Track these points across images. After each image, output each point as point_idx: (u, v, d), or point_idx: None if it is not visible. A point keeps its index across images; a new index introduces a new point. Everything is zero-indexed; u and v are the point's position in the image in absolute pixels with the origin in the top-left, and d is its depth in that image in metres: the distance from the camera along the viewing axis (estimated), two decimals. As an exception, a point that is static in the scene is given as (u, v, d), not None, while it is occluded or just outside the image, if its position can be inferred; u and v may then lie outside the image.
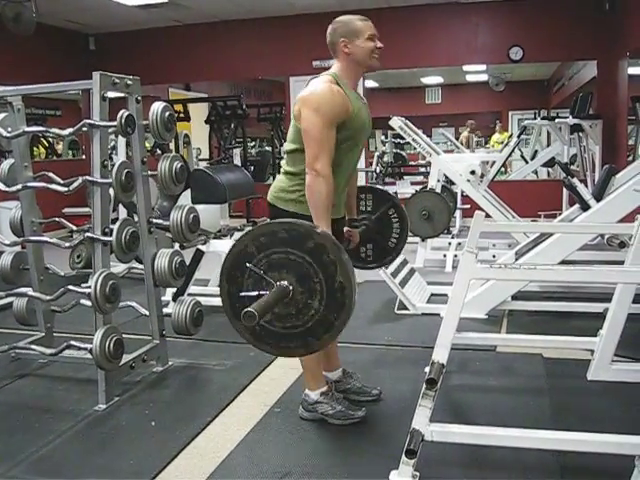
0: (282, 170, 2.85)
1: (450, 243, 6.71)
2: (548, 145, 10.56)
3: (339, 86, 2.68)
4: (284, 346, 2.19)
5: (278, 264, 2.08)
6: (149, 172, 3.58)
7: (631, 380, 2.88)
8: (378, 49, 2.79)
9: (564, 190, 7.76)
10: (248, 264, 2.09)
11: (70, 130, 3.39)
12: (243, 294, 2.12)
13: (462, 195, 7.62)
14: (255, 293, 2.09)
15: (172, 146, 8.13)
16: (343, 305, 2.06)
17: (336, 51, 2.79)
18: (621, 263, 2.99)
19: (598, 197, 4.41)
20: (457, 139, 11.20)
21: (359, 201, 3.31)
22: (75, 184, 3.35)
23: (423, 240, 6.34)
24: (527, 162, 10.40)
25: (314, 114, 2.58)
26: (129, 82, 3.47)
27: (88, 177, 3.25)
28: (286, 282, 2.07)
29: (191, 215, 3.57)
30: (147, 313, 3.70)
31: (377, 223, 3.42)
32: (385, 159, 10.12)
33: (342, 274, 2.04)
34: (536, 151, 10.25)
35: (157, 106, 3.42)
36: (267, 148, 12.16)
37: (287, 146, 2.81)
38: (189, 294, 4.63)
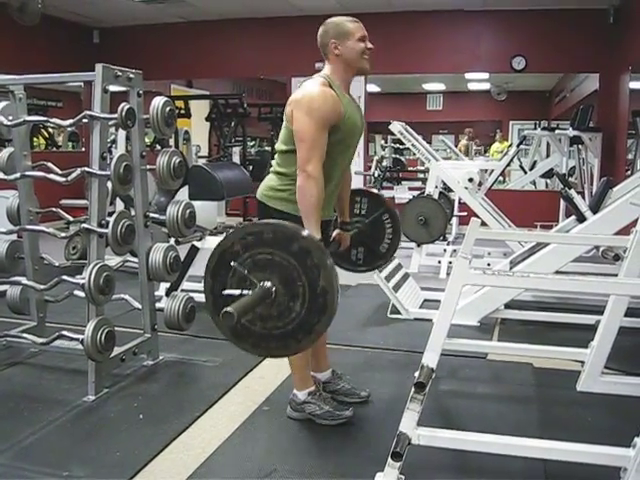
0: (272, 169, 2.86)
1: (445, 250, 6.72)
2: (547, 156, 10.57)
3: (332, 88, 2.69)
4: (264, 346, 2.19)
5: (263, 264, 2.07)
6: (148, 166, 3.58)
7: (620, 393, 2.89)
8: (369, 50, 2.80)
9: (561, 201, 7.78)
10: (233, 262, 2.08)
11: (71, 121, 3.39)
12: (226, 292, 2.12)
13: (459, 202, 7.62)
14: (238, 292, 2.08)
15: (172, 142, 8.13)
16: (325, 310, 2.06)
17: (327, 53, 2.80)
18: (615, 276, 3.00)
19: (595, 209, 4.42)
20: (457, 147, 11.22)
21: (354, 204, 3.32)
22: (73, 175, 3.35)
23: (418, 245, 6.34)
24: (526, 172, 10.42)
25: (306, 116, 2.59)
26: (131, 75, 3.47)
27: (87, 168, 3.25)
28: (269, 283, 2.07)
29: (187, 210, 3.57)
30: (140, 307, 3.70)
31: (370, 227, 3.43)
32: (384, 163, 10.13)
33: (325, 279, 2.03)
34: (535, 161, 10.26)
35: (158, 101, 3.42)
36: (267, 148, 12.16)
37: (278, 146, 2.82)
38: (182, 290, 4.63)
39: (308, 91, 2.65)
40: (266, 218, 2.75)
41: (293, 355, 2.25)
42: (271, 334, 2.14)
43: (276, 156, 2.86)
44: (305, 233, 2.13)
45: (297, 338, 2.12)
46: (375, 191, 3.66)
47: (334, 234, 3.11)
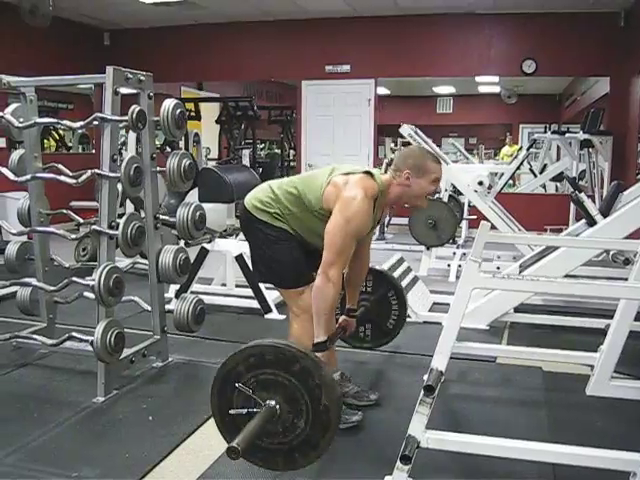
0: (271, 186, 2.92)
1: (455, 253, 6.71)
2: (557, 159, 10.53)
3: (376, 200, 2.76)
4: (272, 461, 2.23)
5: (266, 384, 2.12)
6: (158, 168, 3.59)
7: (630, 397, 2.88)
8: (434, 193, 2.90)
9: (571, 205, 7.74)
10: (237, 384, 2.14)
11: (81, 123, 3.40)
12: (233, 412, 2.16)
13: (469, 205, 7.61)
14: (244, 411, 2.13)
15: (182, 144, 8.15)
16: (328, 426, 2.10)
17: (396, 173, 2.83)
18: (625, 280, 2.98)
19: (605, 213, 4.39)
20: (467, 150, 11.19)
21: None
22: (84, 177, 3.36)
23: (428, 249, 6.34)
24: (536, 176, 10.38)
25: (344, 223, 2.65)
26: (142, 78, 3.48)
27: (97, 170, 3.27)
28: (273, 402, 2.11)
29: (197, 213, 3.58)
30: (149, 308, 3.71)
31: (376, 304, 3.53)
32: (393, 161, 10.10)
33: (327, 397, 2.08)
34: (545, 165, 10.23)
35: (169, 103, 3.43)
36: (276, 150, 12.18)
37: (291, 182, 2.90)
38: (192, 292, 4.64)
39: (358, 200, 2.67)
40: (249, 225, 2.92)
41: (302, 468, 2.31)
42: (278, 449, 2.18)
43: (283, 181, 2.95)
44: (305, 353, 2.14)
45: (304, 453, 2.16)
46: (379, 268, 3.71)
47: (340, 320, 3.19)
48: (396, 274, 4.69)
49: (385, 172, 2.91)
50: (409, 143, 6.62)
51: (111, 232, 3.28)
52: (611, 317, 2.92)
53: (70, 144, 10.92)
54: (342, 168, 2.84)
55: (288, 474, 2.50)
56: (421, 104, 14.53)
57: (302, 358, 2.10)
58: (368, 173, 2.80)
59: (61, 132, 10.46)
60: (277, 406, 2.11)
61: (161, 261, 3.56)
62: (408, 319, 4.63)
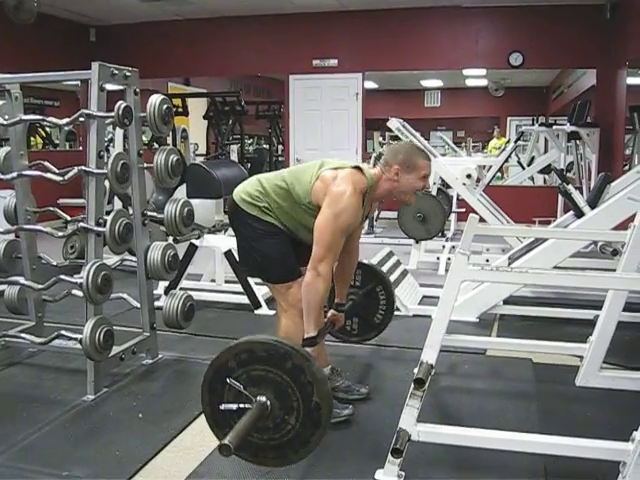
0: (259, 180, 2.92)
1: (444, 246, 6.72)
2: (545, 152, 10.57)
3: (366, 193, 2.77)
4: (262, 456, 2.23)
5: (258, 380, 2.13)
6: (145, 165, 3.58)
7: (619, 387, 2.90)
8: (422, 189, 2.88)
9: (559, 197, 7.78)
10: (228, 379, 2.14)
11: (67, 120, 3.39)
12: (223, 407, 2.16)
13: (457, 198, 7.63)
14: (235, 406, 2.13)
15: (169, 140, 8.11)
16: (319, 423, 2.11)
17: (385, 168, 2.83)
18: (613, 271, 3.00)
19: (593, 204, 4.42)
20: (455, 143, 11.21)
21: None
22: (70, 174, 3.35)
23: (417, 242, 6.35)
24: (524, 168, 10.43)
25: (334, 218, 2.65)
26: (128, 73, 3.46)
27: (84, 167, 3.25)
28: (264, 398, 2.11)
29: (185, 209, 3.57)
30: (138, 305, 3.70)
31: (364, 298, 3.55)
32: (382, 156, 10.10)
33: (319, 394, 2.08)
34: (533, 157, 10.27)
35: (155, 98, 3.41)
36: (264, 146, 12.14)
37: (279, 180, 2.88)
38: (181, 288, 4.63)
39: (347, 195, 2.67)
40: (236, 218, 2.92)
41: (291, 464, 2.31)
42: (268, 445, 2.18)
43: (271, 175, 2.96)
44: (297, 350, 2.14)
45: (294, 449, 2.17)
46: (368, 262, 3.71)
47: (328, 314, 3.20)
48: (385, 268, 4.71)
49: (374, 166, 2.91)
50: (397, 137, 6.64)
51: (99, 229, 3.26)
52: (600, 308, 2.93)
53: (57, 141, 10.86)
54: (331, 162, 2.84)
55: (279, 469, 2.50)
56: (409, 98, 14.52)
57: (294, 355, 2.10)
58: (357, 168, 2.79)
59: (48, 129, 10.39)
60: (268, 402, 2.11)
61: (150, 258, 3.55)
62: (398, 312, 4.66)
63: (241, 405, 2.12)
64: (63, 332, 3.38)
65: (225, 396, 2.17)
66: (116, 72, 3.36)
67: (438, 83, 13.88)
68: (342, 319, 3.28)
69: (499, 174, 9.49)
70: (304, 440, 2.14)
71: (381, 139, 12.18)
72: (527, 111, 13.54)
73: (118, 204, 6.21)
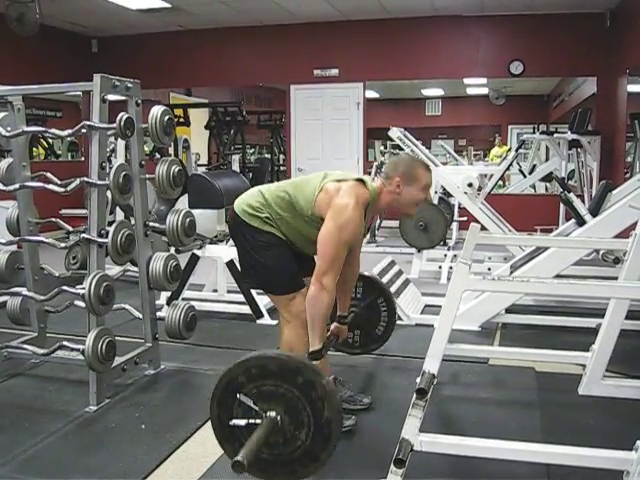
0: (261, 191, 2.94)
1: (446, 255, 6.72)
2: (546, 160, 10.57)
3: (368, 205, 2.78)
4: (271, 472, 2.22)
5: (268, 394, 2.12)
6: (147, 175, 3.59)
7: (622, 396, 2.88)
8: (425, 201, 2.90)
9: (561, 205, 7.77)
10: (238, 394, 2.13)
11: (69, 131, 3.39)
12: (233, 423, 2.15)
13: (459, 207, 7.63)
14: (244, 422, 2.11)
15: (171, 150, 8.13)
16: (329, 439, 2.10)
17: (386, 181, 2.84)
18: (615, 279, 3.00)
19: (594, 213, 4.41)
20: (456, 151, 11.21)
21: None
22: (72, 185, 3.36)
23: (419, 251, 6.35)
24: (525, 176, 10.41)
25: (337, 231, 2.66)
26: (129, 85, 3.48)
27: (86, 178, 3.25)
28: (274, 413, 2.10)
29: (187, 219, 3.57)
30: (140, 316, 3.70)
31: (366, 311, 3.55)
32: (383, 169, 10.11)
33: (329, 410, 2.08)
34: (534, 165, 10.26)
35: (156, 110, 3.43)
36: (266, 155, 12.16)
37: (280, 191, 2.89)
38: (183, 298, 4.63)
39: (350, 208, 2.68)
40: (238, 229, 2.92)
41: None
42: (278, 460, 2.17)
43: (273, 186, 2.97)
44: (308, 365, 2.15)
45: (304, 464, 2.16)
46: (369, 274, 3.72)
47: (332, 327, 3.20)
48: (387, 277, 4.71)
49: (375, 175, 2.92)
50: (399, 146, 6.65)
51: (101, 240, 3.26)
52: (602, 316, 2.92)
53: (59, 152, 10.88)
54: (334, 174, 2.84)
55: (282, 480, 2.50)
56: (410, 106, 14.52)
57: (305, 370, 2.10)
58: (360, 180, 2.80)
59: (50, 140, 10.41)
60: (278, 417, 2.10)
61: (152, 268, 3.55)
62: (400, 321, 4.65)
63: (251, 420, 2.11)
64: (65, 343, 3.37)
65: (235, 411, 2.16)
66: (118, 83, 3.37)
67: (439, 92, 13.88)
68: (345, 331, 3.29)
69: (501, 182, 9.48)
70: (314, 456, 2.13)
71: (382, 148, 12.19)
72: (528, 119, 13.53)
73: (120, 215, 6.22)
